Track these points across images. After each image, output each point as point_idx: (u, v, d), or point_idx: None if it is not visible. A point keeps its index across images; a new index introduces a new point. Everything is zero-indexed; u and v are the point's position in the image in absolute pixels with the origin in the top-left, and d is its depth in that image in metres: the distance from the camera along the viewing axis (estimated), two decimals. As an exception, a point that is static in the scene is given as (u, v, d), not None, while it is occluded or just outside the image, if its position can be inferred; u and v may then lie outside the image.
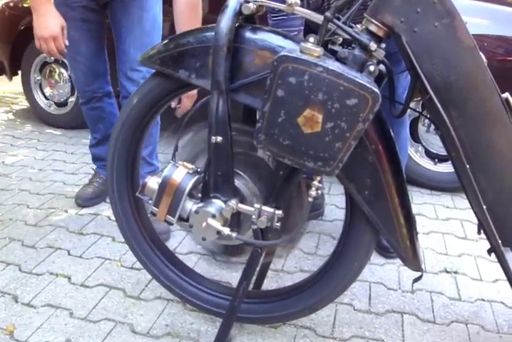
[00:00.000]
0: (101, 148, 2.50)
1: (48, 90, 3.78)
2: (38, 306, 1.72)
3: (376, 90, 0.99)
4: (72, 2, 2.09)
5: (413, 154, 2.73)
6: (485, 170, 1.09)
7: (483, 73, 1.04)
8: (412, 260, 1.25)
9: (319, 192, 1.16)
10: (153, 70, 2.07)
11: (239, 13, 1.16)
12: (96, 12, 2.15)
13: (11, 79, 4.02)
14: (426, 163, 2.74)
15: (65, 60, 3.57)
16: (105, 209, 2.44)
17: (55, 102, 3.78)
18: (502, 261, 1.20)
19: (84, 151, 3.28)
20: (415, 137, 2.73)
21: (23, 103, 4.48)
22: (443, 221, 2.40)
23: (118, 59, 2.17)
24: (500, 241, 1.15)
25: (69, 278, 1.88)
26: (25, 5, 3.55)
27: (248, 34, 1.19)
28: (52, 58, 3.64)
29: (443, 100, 1.04)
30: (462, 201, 2.58)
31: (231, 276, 1.91)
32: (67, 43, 1.96)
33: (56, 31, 1.90)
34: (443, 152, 2.63)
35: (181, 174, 1.28)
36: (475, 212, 1.17)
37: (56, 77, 3.69)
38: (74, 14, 2.10)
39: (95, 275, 1.91)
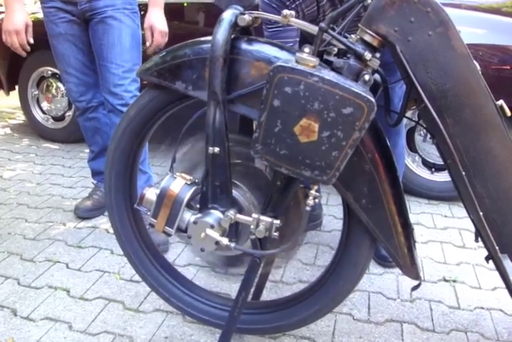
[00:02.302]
0: (100, 161, 2.53)
1: (45, 105, 3.80)
2: (37, 319, 1.72)
3: (372, 98, 0.99)
4: (56, 19, 2.21)
5: (410, 164, 2.73)
6: (481, 177, 1.10)
7: (477, 80, 1.05)
8: (410, 268, 1.25)
9: (317, 200, 1.16)
10: (136, 82, 2.09)
11: (235, 24, 1.17)
12: (80, 25, 2.23)
13: (8, 94, 4.04)
14: (423, 172, 2.75)
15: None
16: (104, 222, 2.44)
17: (52, 117, 3.80)
18: (500, 267, 1.20)
19: (82, 165, 3.29)
20: (412, 146, 2.74)
21: (21, 118, 4.50)
22: (442, 230, 2.40)
23: (100, 75, 2.25)
24: (497, 248, 1.15)
25: (68, 292, 1.88)
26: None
27: (244, 45, 1.20)
28: (49, 72, 3.66)
29: (438, 108, 1.05)
30: (460, 210, 2.59)
31: (230, 287, 1.91)
32: (31, 40, 2.10)
33: (20, 26, 2.05)
34: (439, 161, 2.65)
35: (179, 185, 1.29)
36: (472, 219, 1.18)
37: (53, 91, 3.71)
38: (60, 30, 2.23)
39: (94, 288, 1.91)
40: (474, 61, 1.05)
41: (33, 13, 3.59)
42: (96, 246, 2.22)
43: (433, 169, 2.74)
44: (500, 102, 1.10)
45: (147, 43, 2.23)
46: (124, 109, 2.14)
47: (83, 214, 2.50)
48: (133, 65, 2.21)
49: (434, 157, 2.69)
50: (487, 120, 1.07)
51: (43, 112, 3.84)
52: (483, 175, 1.10)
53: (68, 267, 2.05)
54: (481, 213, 1.11)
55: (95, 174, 2.62)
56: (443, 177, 2.69)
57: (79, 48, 2.28)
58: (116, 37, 2.17)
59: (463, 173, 1.08)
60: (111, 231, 2.29)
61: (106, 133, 2.47)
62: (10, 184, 2.96)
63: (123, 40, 2.18)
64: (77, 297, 1.85)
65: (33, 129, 3.97)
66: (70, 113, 3.69)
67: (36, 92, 3.82)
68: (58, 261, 2.09)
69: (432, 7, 1.01)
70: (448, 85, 1.04)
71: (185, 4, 3.10)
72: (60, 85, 3.67)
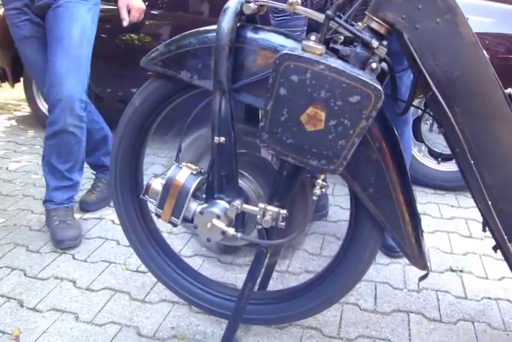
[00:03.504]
0: (94, 156, 2.52)
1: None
2: (43, 310, 1.73)
3: (379, 86, 0.98)
4: (18, 22, 2.13)
5: (417, 154, 2.73)
6: (489, 165, 1.09)
7: (485, 68, 1.03)
8: (418, 258, 1.25)
9: (324, 190, 1.15)
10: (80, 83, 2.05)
11: (240, 13, 1.16)
12: (43, 27, 2.13)
13: (13, 86, 4.05)
14: (430, 162, 2.74)
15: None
16: (109, 214, 2.44)
17: (57, 109, 3.79)
18: (508, 257, 1.19)
19: (87, 156, 3.29)
20: (418, 136, 2.73)
21: (26, 110, 4.50)
22: (448, 220, 2.39)
23: (47, 69, 2.10)
24: (506, 237, 1.14)
25: (74, 283, 1.89)
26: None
27: (249, 34, 1.19)
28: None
29: (446, 96, 1.04)
30: (466, 200, 2.58)
31: (236, 277, 1.91)
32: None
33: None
34: (446, 151, 2.64)
35: (185, 175, 1.28)
36: (479, 209, 1.17)
37: (58, 83, 3.70)
38: (24, 33, 2.15)
39: (100, 279, 1.91)
40: (482, 49, 1.04)
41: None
42: (102, 237, 2.23)
43: (439, 159, 2.73)
44: (509, 90, 1.08)
45: (124, 23, 2.15)
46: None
47: (89, 208, 2.49)
48: (80, 63, 2.11)
49: (440, 146, 2.68)
50: (496, 109, 1.06)
51: (48, 103, 3.83)
52: (492, 164, 1.09)
53: (74, 258, 2.06)
54: (490, 201, 1.10)
55: (94, 167, 2.61)
56: (450, 166, 2.68)
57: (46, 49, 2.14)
58: (65, 29, 2.06)
59: (472, 162, 1.07)
60: (117, 222, 2.28)
61: (94, 129, 2.41)
62: (16, 176, 2.96)
63: (72, 33, 2.07)
64: (83, 288, 1.85)
65: (38, 121, 3.96)
66: (74, 105, 3.67)
67: (41, 84, 3.81)
68: (64, 252, 2.10)
69: (440, -6, 0.99)
70: (456, 73, 1.03)
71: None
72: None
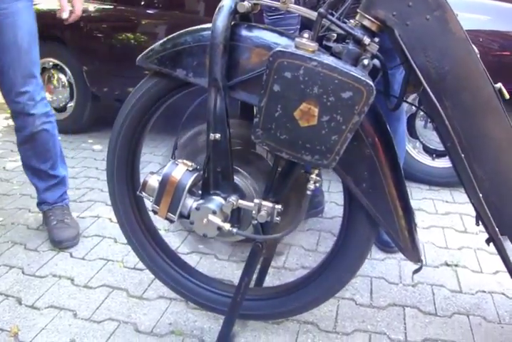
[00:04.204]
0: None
1: (47, 96, 3.78)
2: (41, 307, 1.74)
3: (371, 82, 1.00)
4: None
5: (411, 150, 2.74)
6: (480, 159, 1.11)
7: (475, 63, 1.05)
8: (411, 251, 1.26)
9: (317, 185, 1.17)
10: (40, 87, 2.02)
11: (234, 11, 1.17)
12: None
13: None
14: (424, 158, 2.76)
15: (64, 66, 3.61)
16: (106, 212, 2.46)
17: (54, 108, 3.78)
18: (500, 249, 1.21)
19: (84, 155, 3.31)
20: (412, 133, 2.75)
21: (22, 109, 4.49)
22: (443, 216, 2.41)
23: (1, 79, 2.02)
24: (497, 230, 1.16)
25: (72, 280, 1.90)
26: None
27: (244, 32, 1.21)
28: (51, 64, 3.67)
29: (437, 91, 1.06)
30: (461, 196, 2.60)
31: (233, 274, 1.92)
32: None
33: None
34: (440, 147, 2.65)
35: (181, 171, 1.29)
36: (472, 203, 1.19)
37: (55, 82, 3.71)
38: None
39: (98, 276, 1.93)
40: (472, 45, 1.06)
41: (34, 4, 3.59)
42: (100, 235, 2.24)
43: (434, 156, 2.74)
44: (499, 85, 1.10)
45: (64, 14, 2.01)
46: (30, 117, 2.04)
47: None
48: (32, 65, 2.03)
49: (435, 143, 2.69)
50: (485, 103, 1.08)
51: (45, 103, 3.83)
52: (482, 158, 1.11)
53: (71, 256, 2.07)
54: (481, 194, 1.12)
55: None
56: (444, 163, 2.69)
57: None
58: (12, 38, 1.94)
59: (462, 155, 1.09)
60: (114, 220, 2.30)
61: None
62: (13, 175, 2.98)
63: (20, 42, 1.96)
64: (81, 285, 1.87)
65: (34, 120, 3.98)
66: (72, 104, 3.70)
67: (38, 84, 3.81)
68: (62, 251, 2.11)
69: (430, -9, 1.01)
70: (446, 68, 1.05)
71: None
72: (61, 76, 3.68)
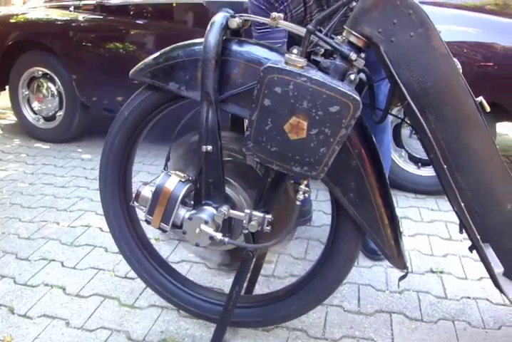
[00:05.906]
0: None
1: (36, 105, 3.82)
2: (34, 316, 1.75)
3: (357, 97, 1.04)
4: None
5: (397, 159, 2.79)
6: (462, 170, 1.15)
7: (457, 78, 1.10)
8: (397, 258, 1.30)
9: (306, 195, 1.20)
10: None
11: (225, 27, 1.22)
12: None
13: (-2, 94, 4.05)
14: (410, 167, 2.80)
15: (54, 75, 3.63)
16: (97, 221, 2.47)
17: (43, 117, 3.82)
18: (482, 256, 1.25)
19: (73, 164, 3.32)
20: (398, 142, 2.79)
21: (12, 118, 4.50)
22: (428, 224, 2.46)
23: None
24: (479, 237, 1.20)
25: (64, 289, 1.91)
26: (12, 21, 3.59)
27: (235, 47, 1.25)
28: (40, 72, 3.68)
29: (420, 105, 1.10)
30: (446, 204, 2.63)
31: (223, 282, 1.94)
32: None
33: None
34: (425, 156, 2.67)
35: (174, 182, 1.33)
36: (455, 211, 1.23)
37: (44, 91, 3.73)
38: None
39: (90, 285, 1.94)
40: (454, 59, 1.10)
41: (22, 14, 3.61)
42: (90, 245, 2.25)
43: (419, 164, 2.79)
44: (480, 98, 1.15)
45: None
46: None
47: None
48: None
49: (420, 152, 2.74)
50: (467, 116, 1.13)
51: (34, 112, 3.86)
52: (464, 168, 1.15)
53: (63, 265, 2.08)
54: (463, 204, 1.16)
55: None
56: (430, 171, 2.74)
57: None
58: None
59: (445, 166, 1.13)
60: (105, 229, 2.33)
61: None
62: (2, 185, 2.98)
63: None
64: (73, 294, 1.88)
65: (24, 129, 3.98)
66: (61, 113, 3.71)
67: (27, 93, 3.84)
68: (53, 260, 2.12)
69: (413, 9, 1.06)
70: (429, 84, 1.09)
71: (174, 5, 3.13)
72: (50, 85, 3.70)
